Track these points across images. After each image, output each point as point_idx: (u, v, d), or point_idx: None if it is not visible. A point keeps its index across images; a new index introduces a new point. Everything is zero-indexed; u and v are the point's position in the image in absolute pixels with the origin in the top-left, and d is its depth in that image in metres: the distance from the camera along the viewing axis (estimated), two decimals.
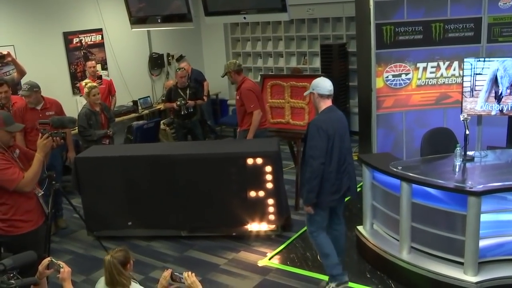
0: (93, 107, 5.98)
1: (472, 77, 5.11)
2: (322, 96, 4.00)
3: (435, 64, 5.83)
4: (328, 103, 4.02)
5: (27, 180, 3.60)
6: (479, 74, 5.09)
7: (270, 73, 9.56)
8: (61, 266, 2.75)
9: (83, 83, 6.89)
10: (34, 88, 5.32)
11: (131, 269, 3.04)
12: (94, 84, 6.28)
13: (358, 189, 6.02)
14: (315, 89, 4.01)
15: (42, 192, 3.87)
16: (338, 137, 3.93)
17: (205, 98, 8.82)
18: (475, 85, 5.10)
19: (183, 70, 7.28)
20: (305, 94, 4.41)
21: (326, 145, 3.86)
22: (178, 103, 7.03)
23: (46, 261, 2.78)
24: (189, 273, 2.92)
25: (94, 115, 5.92)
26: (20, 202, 3.65)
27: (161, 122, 8.28)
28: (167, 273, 2.95)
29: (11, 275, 2.40)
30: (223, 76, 5.95)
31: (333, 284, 4.15)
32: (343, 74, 8.48)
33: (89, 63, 7.63)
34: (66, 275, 2.76)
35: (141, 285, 3.09)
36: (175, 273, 2.94)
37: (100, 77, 7.69)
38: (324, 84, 4.01)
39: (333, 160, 3.92)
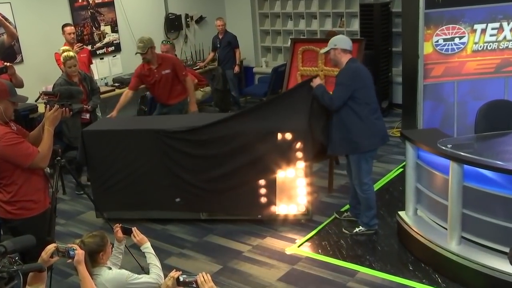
0: (70, 78, 6.02)
1: None
2: (345, 51, 4.67)
3: (496, 25, 5.59)
4: (349, 56, 4.69)
5: (42, 155, 3.60)
6: None
7: (302, 37, 9.54)
8: (74, 248, 2.83)
9: (59, 50, 6.46)
10: None
11: (106, 258, 3.13)
12: (71, 53, 6.02)
13: (401, 170, 5.96)
14: (338, 44, 4.66)
15: (49, 170, 3.90)
16: (371, 84, 4.69)
17: (237, 67, 8.92)
18: None
19: None
20: (322, 51, 4.85)
21: (353, 88, 4.54)
22: None
23: (51, 247, 2.79)
24: (205, 276, 2.66)
25: (71, 86, 5.86)
26: (30, 180, 3.66)
27: None
28: (174, 274, 2.78)
29: (13, 260, 2.40)
30: (144, 53, 6.17)
31: (363, 228, 4.94)
32: (385, 38, 8.35)
33: (67, 29, 7.12)
34: (81, 257, 2.82)
35: None
36: (184, 276, 2.73)
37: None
38: (346, 39, 4.77)
39: (375, 105, 4.68)
